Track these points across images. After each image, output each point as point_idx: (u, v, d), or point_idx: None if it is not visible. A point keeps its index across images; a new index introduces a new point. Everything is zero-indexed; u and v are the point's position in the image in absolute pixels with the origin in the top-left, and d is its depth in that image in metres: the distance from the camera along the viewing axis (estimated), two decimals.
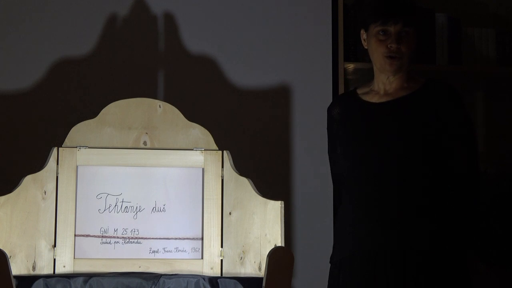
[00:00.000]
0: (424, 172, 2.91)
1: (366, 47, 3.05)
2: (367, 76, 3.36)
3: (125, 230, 3.00)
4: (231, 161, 3.05)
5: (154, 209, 3.02)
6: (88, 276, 2.80)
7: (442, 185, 2.92)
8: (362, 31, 3.04)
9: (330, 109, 3.14)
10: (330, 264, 3.04)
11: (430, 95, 2.97)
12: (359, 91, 3.08)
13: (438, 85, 2.99)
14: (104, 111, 3.07)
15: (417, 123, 2.93)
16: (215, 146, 3.06)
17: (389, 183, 2.90)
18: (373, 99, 3.02)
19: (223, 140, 3.19)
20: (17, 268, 2.89)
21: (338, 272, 2.97)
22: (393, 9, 2.95)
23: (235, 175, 3.03)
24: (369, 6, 3.02)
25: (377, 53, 2.98)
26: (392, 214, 2.88)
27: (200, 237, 3.00)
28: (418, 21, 3.03)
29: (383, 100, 3.00)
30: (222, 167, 3.04)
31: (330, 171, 3.18)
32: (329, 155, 3.17)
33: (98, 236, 2.98)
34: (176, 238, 3.01)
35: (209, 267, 2.98)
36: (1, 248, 2.73)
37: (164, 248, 3.00)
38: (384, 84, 3.02)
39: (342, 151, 3.05)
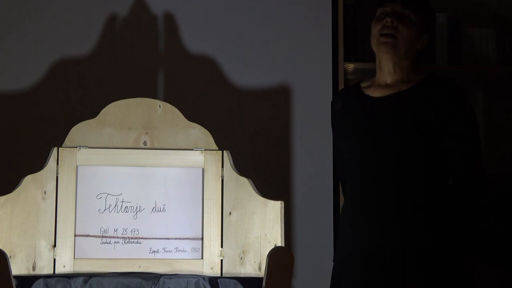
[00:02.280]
0: (422, 169, 2.90)
1: None
2: (367, 76, 3.35)
3: (125, 230, 3.00)
4: (231, 161, 3.05)
5: (154, 209, 3.02)
6: (88, 276, 2.80)
7: (440, 183, 2.91)
8: None
9: (333, 103, 3.13)
10: (332, 263, 3.04)
11: (430, 92, 2.93)
12: (362, 84, 3.06)
13: (439, 83, 2.95)
14: (104, 111, 3.07)
15: (415, 120, 2.91)
16: (215, 146, 3.06)
17: (387, 181, 2.90)
18: (374, 92, 3.00)
19: (223, 140, 3.19)
20: (17, 268, 2.89)
21: (339, 271, 2.97)
22: None
23: (235, 175, 3.03)
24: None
25: (373, 32, 2.96)
26: (390, 212, 2.88)
27: (200, 237, 3.00)
28: (424, 11, 2.99)
29: (383, 94, 2.98)
30: (222, 167, 3.04)
31: (330, 170, 3.17)
32: (334, 149, 3.17)
33: (98, 236, 2.98)
34: (176, 238, 3.01)
35: (209, 267, 2.98)
36: (1, 248, 2.73)
37: (164, 248, 3.00)
38: (385, 75, 2.99)
39: (343, 145, 3.05)
